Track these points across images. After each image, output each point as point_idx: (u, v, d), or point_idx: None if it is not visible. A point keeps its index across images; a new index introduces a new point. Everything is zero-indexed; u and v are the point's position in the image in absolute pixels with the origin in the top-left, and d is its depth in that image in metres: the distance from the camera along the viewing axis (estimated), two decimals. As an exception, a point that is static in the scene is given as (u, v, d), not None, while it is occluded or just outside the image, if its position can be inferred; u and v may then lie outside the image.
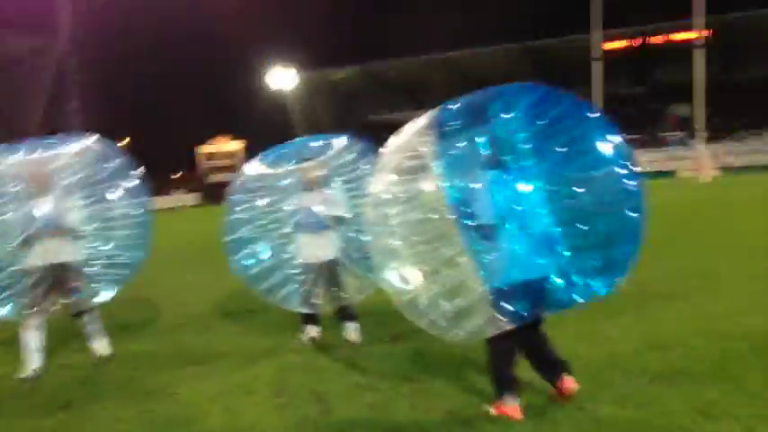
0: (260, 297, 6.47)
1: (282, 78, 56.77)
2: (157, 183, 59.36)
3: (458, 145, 4.20)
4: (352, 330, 6.18)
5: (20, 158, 6.02)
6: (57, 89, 54.50)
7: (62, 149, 6.17)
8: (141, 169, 6.74)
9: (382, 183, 4.57)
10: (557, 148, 3.99)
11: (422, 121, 4.53)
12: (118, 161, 6.50)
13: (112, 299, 6.44)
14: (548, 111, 4.03)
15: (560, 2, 65.06)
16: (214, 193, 60.34)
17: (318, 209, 6.04)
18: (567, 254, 3.97)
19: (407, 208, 4.41)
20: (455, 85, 59.35)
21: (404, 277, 4.37)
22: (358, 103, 66.39)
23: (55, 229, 5.79)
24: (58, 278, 5.87)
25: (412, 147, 4.44)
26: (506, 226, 3.99)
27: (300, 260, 6.17)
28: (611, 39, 49.52)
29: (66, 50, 54.04)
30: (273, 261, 6.38)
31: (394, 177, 4.50)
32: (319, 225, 6.05)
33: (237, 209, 6.50)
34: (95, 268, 6.30)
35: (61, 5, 53.90)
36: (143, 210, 6.56)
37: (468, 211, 4.04)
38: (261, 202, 6.44)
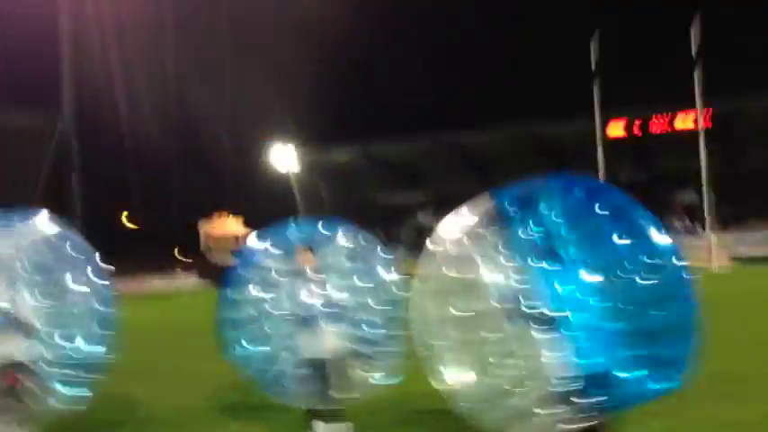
0: (260, 391, 6.33)
1: (283, 156, 57.18)
2: (158, 259, 58.93)
3: (515, 235, 4.28)
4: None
5: None
6: (58, 162, 54.74)
7: (12, 229, 5.53)
8: (98, 255, 6.06)
9: (437, 272, 4.60)
10: (612, 240, 4.04)
11: (476, 210, 4.60)
12: (76, 244, 5.86)
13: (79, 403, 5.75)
14: (600, 203, 4.10)
15: (561, 86, 66.28)
16: (214, 274, 59.89)
17: (318, 302, 5.87)
18: (626, 347, 3.93)
19: (464, 299, 4.40)
20: (455, 167, 59.85)
21: (459, 373, 4.34)
22: (359, 183, 66.63)
23: (6, 324, 5.18)
24: (5, 379, 5.29)
25: (468, 236, 4.52)
26: (566, 317, 3.97)
27: (301, 355, 5.98)
28: (612, 123, 50.05)
29: (68, 124, 54.55)
30: (272, 354, 6.19)
31: (449, 268, 4.51)
32: (318, 319, 5.87)
33: (236, 298, 6.31)
34: (52, 368, 5.61)
35: (65, 81, 54.78)
36: (107, 302, 5.85)
37: (528, 301, 4.06)
38: (258, 292, 6.23)
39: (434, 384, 4.59)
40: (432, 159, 59.62)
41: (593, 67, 40.54)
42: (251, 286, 6.32)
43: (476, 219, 4.58)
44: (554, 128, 53.34)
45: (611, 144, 44.29)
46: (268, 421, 6.76)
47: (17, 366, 5.29)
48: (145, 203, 71.56)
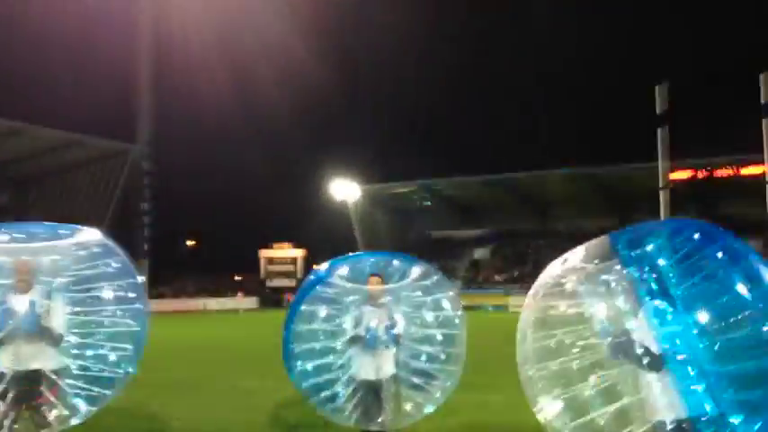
0: (314, 409, 6.40)
1: (345, 190, 58.07)
2: (218, 284, 60.46)
3: (627, 274, 4.27)
4: None
5: (5, 245, 5.28)
6: (128, 190, 56.95)
7: (57, 241, 5.40)
8: (140, 276, 5.97)
9: (542, 304, 4.62)
10: (725, 283, 4.01)
11: (590, 249, 4.63)
12: (119, 261, 5.63)
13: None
14: (714, 246, 4.14)
15: (623, 129, 65.66)
16: (272, 298, 61.12)
17: (380, 327, 6.02)
18: (732, 391, 3.88)
19: (569, 333, 4.42)
20: (514, 206, 59.69)
21: (557, 407, 4.31)
22: (417, 219, 66.98)
23: (32, 331, 5.02)
24: (27, 388, 5.12)
25: (578, 272, 4.52)
26: (674, 357, 3.97)
27: (358, 376, 6.16)
28: (676, 169, 49.20)
29: (141, 154, 56.82)
30: (330, 374, 6.34)
31: (556, 300, 4.55)
32: (379, 343, 6.02)
33: (300, 318, 6.46)
34: (75, 381, 5.44)
35: (139, 113, 57.22)
36: (139, 320, 5.66)
37: (635, 339, 4.05)
38: (323, 313, 6.45)
39: (537, 416, 4.51)
40: (491, 196, 59.57)
41: (658, 111, 40.23)
42: (318, 306, 6.50)
43: (588, 256, 4.59)
44: (615, 170, 52.64)
45: (674, 189, 43.58)
46: None
47: (42, 377, 5.16)
48: (209, 229, 73.61)
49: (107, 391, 5.54)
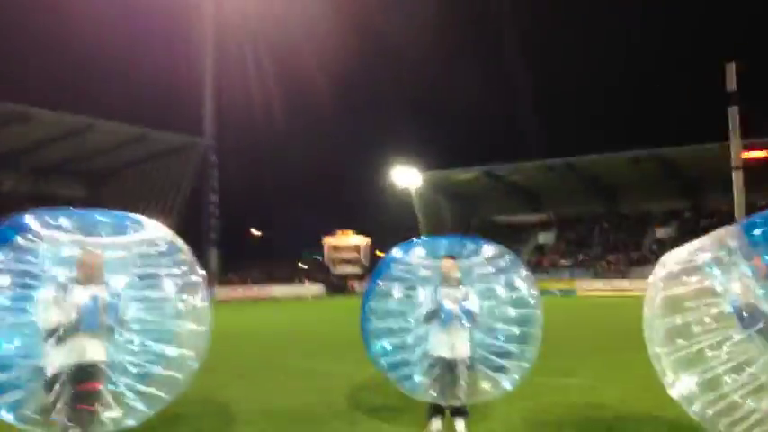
0: (394, 389, 6.55)
1: (406, 177, 58.14)
2: (284, 271, 61.61)
3: (759, 254, 4.36)
4: (462, 424, 6.25)
5: (74, 236, 5.26)
6: (197, 183, 58.50)
7: (124, 236, 5.43)
8: (202, 271, 5.87)
9: (671, 282, 4.77)
10: None
11: (721, 233, 4.75)
12: (184, 258, 5.64)
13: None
14: None
15: (692, 109, 63.54)
16: (338, 285, 62.00)
17: (454, 306, 6.10)
18: None
19: (698, 309, 4.52)
20: (579, 189, 58.61)
21: (689, 382, 4.45)
22: (480, 204, 66.62)
23: (94, 326, 4.97)
24: (84, 384, 5.01)
25: (709, 251, 4.65)
26: None
27: (433, 353, 6.26)
28: (750, 148, 47.33)
29: (208, 147, 58.23)
30: (406, 352, 6.52)
31: (686, 278, 4.66)
32: (454, 320, 6.11)
33: (377, 295, 6.66)
34: (133, 380, 5.34)
35: (207, 106, 58.58)
36: (202, 319, 5.58)
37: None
38: (399, 291, 6.63)
39: (669, 393, 4.69)
40: (555, 181, 58.69)
41: (728, 89, 38.85)
42: (394, 284, 6.64)
43: (716, 242, 4.71)
44: (684, 151, 51.02)
45: (748, 169, 41.90)
46: (393, 421, 7.02)
47: (101, 373, 5.09)
48: (275, 218, 74.95)
49: (165, 395, 5.43)
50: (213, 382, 10.18)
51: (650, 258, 52.81)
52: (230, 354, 13.83)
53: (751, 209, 45.93)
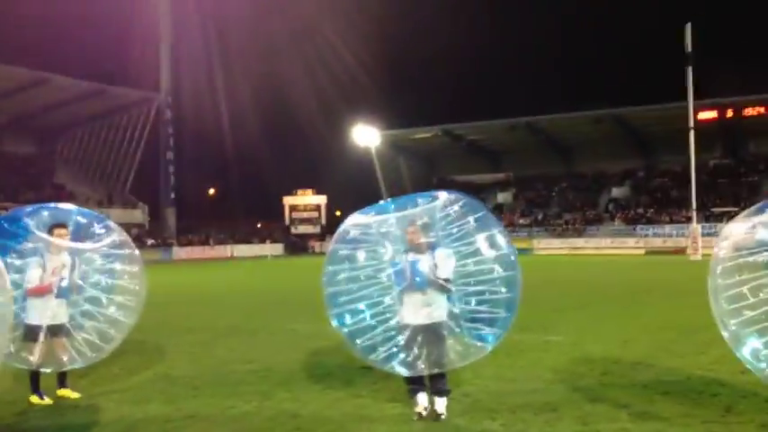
0: (357, 356, 6.21)
1: (366, 136, 57.91)
2: (242, 231, 61.26)
3: None
4: (443, 404, 5.85)
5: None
6: (153, 139, 57.35)
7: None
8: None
9: (730, 254, 5.00)
10: None
11: None
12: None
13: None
14: None
15: (649, 70, 64.54)
16: (296, 245, 61.91)
17: (423, 268, 5.73)
18: None
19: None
20: (538, 149, 59.36)
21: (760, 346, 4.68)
22: (440, 164, 66.94)
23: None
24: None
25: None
26: None
27: (404, 321, 5.84)
28: (703, 109, 48.47)
29: (164, 103, 56.99)
30: (373, 319, 6.03)
31: (743, 247, 4.91)
32: (424, 285, 5.73)
33: (337, 260, 6.21)
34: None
35: (163, 62, 57.13)
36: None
37: None
38: (361, 255, 6.14)
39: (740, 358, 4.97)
40: (514, 140, 59.20)
41: (687, 50, 39.51)
42: (358, 251, 6.16)
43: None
44: (640, 111, 51.91)
45: (701, 129, 42.96)
46: (391, 378, 6.60)
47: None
48: (234, 178, 74.09)
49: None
50: (198, 342, 10.19)
51: (605, 218, 54.17)
52: (208, 315, 13.81)
53: (702, 169, 47.42)
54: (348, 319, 6.10)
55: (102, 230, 6.93)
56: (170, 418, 5.92)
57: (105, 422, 5.90)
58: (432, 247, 5.87)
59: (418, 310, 5.76)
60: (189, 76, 61.80)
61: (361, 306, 6.07)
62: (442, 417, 5.74)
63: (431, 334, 5.78)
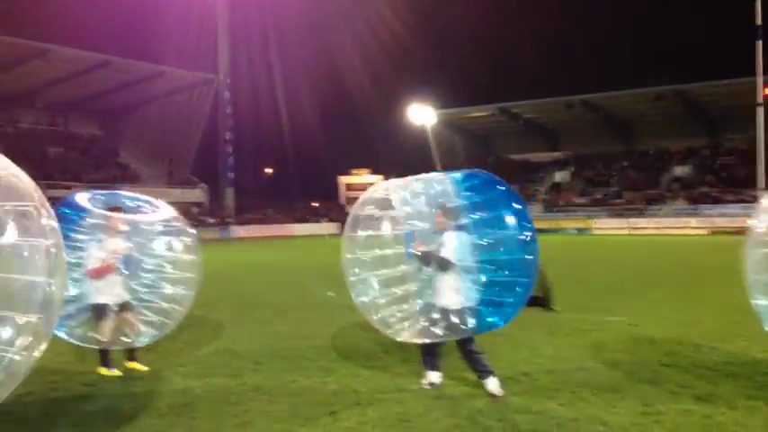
0: (376, 328, 6.40)
1: (422, 115, 57.62)
2: (299, 210, 62.02)
3: None
4: (494, 382, 5.86)
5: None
6: (213, 119, 58.30)
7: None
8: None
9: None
10: None
11: None
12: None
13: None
14: None
15: (714, 46, 62.17)
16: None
17: (450, 255, 5.81)
18: None
19: None
20: (597, 127, 58.07)
21: None
22: (496, 143, 66.22)
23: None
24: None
25: None
26: None
27: (439, 303, 5.88)
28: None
29: (223, 84, 57.82)
30: (391, 294, 6.36)
31: None
32: (450, 269, 5.81)
33: (357, 239, 6.52)
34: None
35: (221, 44, 57.87)
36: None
37: None
38: (384, 230, 6.58)
39: None
40: (572, 118, 58.02)
41: (758, 23, 37.95)
42: (384, 229, 6.52)
43: None
44: (704, 87, 50.08)
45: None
46: (384, 363, 7.01)
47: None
48: (290, 158, 74.87)
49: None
50: (258, 319, 10.40)
51: (667, 197, 52.73)
52: (267, 292, 14.07)
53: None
54: (370, 294, 6.52)
55: (155, 209, 7.39)
56: (233, 391, 6.11)
57: (172, 393, 6.13)
58: (455, 230, 5.88)
59: (436, 289, 5.90)
60: (245, 58, 62.63)
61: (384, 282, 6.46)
62: (498, 397, 5.74)
63: (446, 313, 5.80)
